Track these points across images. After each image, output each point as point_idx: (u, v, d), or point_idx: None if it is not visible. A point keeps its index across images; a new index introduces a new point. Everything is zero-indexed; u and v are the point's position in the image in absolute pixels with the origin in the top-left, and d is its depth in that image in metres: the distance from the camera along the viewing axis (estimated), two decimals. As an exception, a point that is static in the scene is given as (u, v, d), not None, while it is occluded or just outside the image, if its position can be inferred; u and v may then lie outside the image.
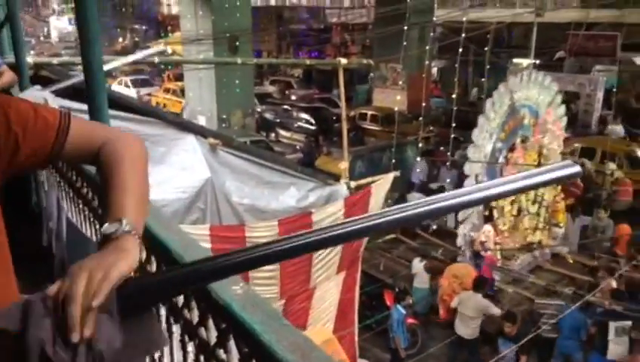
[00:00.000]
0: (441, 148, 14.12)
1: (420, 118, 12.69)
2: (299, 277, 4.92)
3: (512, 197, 9.62)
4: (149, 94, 25.69)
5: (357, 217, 0.78)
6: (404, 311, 7.77)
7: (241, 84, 19.20)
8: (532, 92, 9.73)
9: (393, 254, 10.10)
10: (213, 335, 1.09)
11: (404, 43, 13.04)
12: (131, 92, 25.48)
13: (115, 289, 0.81)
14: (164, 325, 1.20)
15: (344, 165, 5.56)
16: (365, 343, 7.48)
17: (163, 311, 1.22)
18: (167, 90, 25.02)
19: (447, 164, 12.82)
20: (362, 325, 6.97)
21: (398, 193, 10.95)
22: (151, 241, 1.26)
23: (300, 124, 20.28)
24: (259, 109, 21.72)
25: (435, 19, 20.62)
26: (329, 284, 5.33)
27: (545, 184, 0.82)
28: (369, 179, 5.52)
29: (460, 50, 12.11)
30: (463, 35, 12.22)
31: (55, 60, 4.34)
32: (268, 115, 21.47)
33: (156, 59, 5.16)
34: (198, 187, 4.62)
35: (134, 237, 0.93)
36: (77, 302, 0.77)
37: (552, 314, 7.61)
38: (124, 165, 1.08)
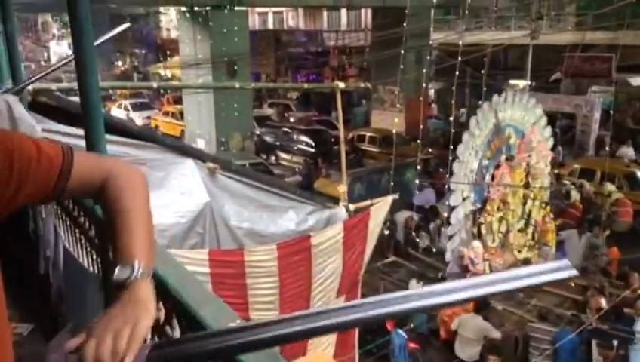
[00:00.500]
0: (441, 169, 14.13)
1: (418, 140, 12.71)
2: (298, 301, 4.87)
3: (500, 214, 9.64)
4: (149, 117, 25.80)
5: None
6: (405, 336, 7.69)
7: (240, 107, 19.30)
8: (517, 112, 9.89)
9: (393, 277, 10.04)
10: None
11: (402, 66, 13.13)
12: (131, 115, 25.60)
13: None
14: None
15: (343, 188, 5.54)
16: (366, 368, 7.38)
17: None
18: (166, 114, 25.14)
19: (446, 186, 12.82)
20: (363, 350, 6.88)
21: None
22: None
23: (300, 146, 20.33)
24: (257, 132, 21.80)
25: (431, 42, 20.83)
26: (329, 309, 5.28)
27: (537, 285, 0.81)
28: (368, 202, 5.51)
29: (457, 72, 12.20)
30: (460, 57, 12.32)
31: (54, 86, 4.34)
32: (268, 138, 21.53)
33: (155, 85, 5.17)
34: (197, 211, 4.59)
35: (147, 280, 0.92)
36: None
37: (544, 340, 7.60)
38: (130, 204, 1.07)
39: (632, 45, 16.35)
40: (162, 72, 34.08)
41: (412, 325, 8.31)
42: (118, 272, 0.92)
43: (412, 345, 7.97)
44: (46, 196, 1.10)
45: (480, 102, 10.33)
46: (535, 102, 10.43)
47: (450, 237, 9.34)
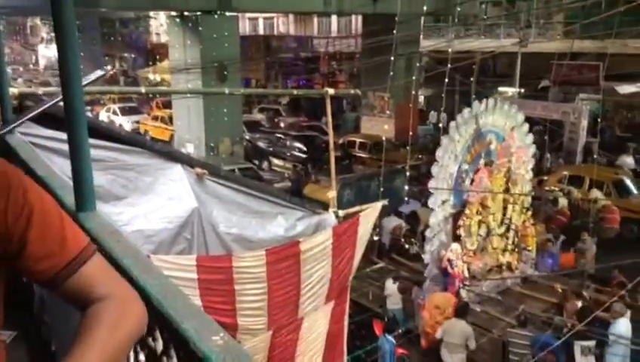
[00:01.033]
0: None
1: (408, 147, 12.76)
2: (287, 307, 4.84)
3: (479, 217, 9.79)
4: (138, 122, 25.67)
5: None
6: (394, 342, 7.68)
7: (229, 112, 19.26)
8: (499, 119, 9.98)
9: (382, 283, 10.04)
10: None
11: (391, 72, 13.19)
12: (120, 119, 25.45)
13: None
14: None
15: (332, 194, 5.53)
16: (354, 375, 7.36)
17: (142, 357, 1.17)
18: (155, 118, 25.01)
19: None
20: (352, 356, 6.86)
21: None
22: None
23: (293, 153, 20.33)
24: (247, 137, 21.78)
25: (421, 49, 20.95)
26: (317, 314, 5.26)
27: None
28: (357, 208, 5.49)
29: (446, 79, 12.27)
30: (449, 65, 12.40)
31: (40, 90, 4.30)
32: (261, 144, 21.50)
33: (143, 90, 5.13)
34: (185, 217, 4.55)
35: None
36: None
37: (523, 345, 7.69)
38: (108, 332, 0.97)
39: (620, 54, 16.55)
40: (152, 77, 33.96)
41: (400, 330, 8.31)
42: None
43: (400, 350, 7.95)
44: (44, 278, 1.02)
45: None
46: (517, 109, 10.52)
47: (429, 239, 9.39)
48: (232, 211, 4.87)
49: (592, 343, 7.27)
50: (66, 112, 1.54)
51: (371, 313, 8.95)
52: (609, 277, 9.33)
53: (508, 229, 10.32)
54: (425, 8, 16.04)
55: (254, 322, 4.62)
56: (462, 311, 7.82)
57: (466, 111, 9.48)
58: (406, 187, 11.21)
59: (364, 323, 8.52)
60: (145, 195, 4.42)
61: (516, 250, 10.49)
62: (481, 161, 9.80)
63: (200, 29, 18.96)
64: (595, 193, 13.10)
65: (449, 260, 9.08)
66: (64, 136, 1.70)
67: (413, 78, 14.68)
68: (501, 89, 22.34)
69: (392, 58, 12.88)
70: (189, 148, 19.28)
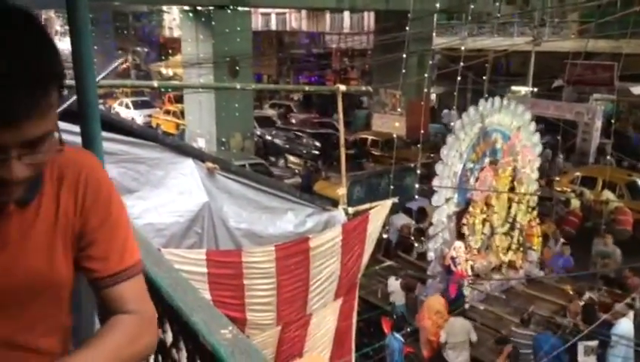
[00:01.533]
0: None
1: (419, 145, 12.71)
2: (296, 303, 4.86)
3: (483, 216, 9.77)
4: (150, 116, 25.80)
5: None
6: (402, 340, 7.68)
7: (241, 107, 19.29)
8: (505, 118, 9.92)
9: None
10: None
11: (403, 70, 13.12)
12: (132, 113, 25.59)
13: None
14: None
15: (342, 191, 5.53)
16: (362, 372, 7.37)
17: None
18: (167, 112, 25.13)
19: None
20: (359, 353, 6.86)
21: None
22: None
23: (310, 150, 20.31)
24: (258, 132, 21.79)
25: (433, 47, 20.84)
26: (326, 311, 5.26)
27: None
28: (367, 206, 5.49)
29: (459, 77, 12.19)
30: (462, 63, 12.32)
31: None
32: (278, 141, 21.49)
33: (155, 84, 5.15)
34: (196, 211, 4.56)
35: None
36: None
37: (525, 344, 7.70)
38: (124, 345, 1.03)
39: (635, 54, 16.35)
40: (164, 71, 34.10)
41: (409, 329, 8.30)
42: None
43: (408, 349, 7.95)
44: (90, 276, 1.09)
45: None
46: (529, 108, 10.45)
47: (433, 236, 9.38)
48: (242, 206, 4.88)
49: (594, 343, 7.25)
50: (80, 105, 1.55)
51: (380, 311, 8.95)
52: (621, 279, 9.25)
53: (512, 228, 10.28)
54: (438, 5, 15.90)
55: (263, 317, 4.64)
56: (458, 311, 7.94)
57: (472, 109, 9.44)
58: (416, 185, 11.16)
59: (373, 320, 8.52)
60: (156, 189, 4.44)
61: (521, 248, 10.45)
62: (486, 160, 9.76)
63: (213, 23, 18.99)
64: (608, 194, 12.99)
65: (452, 258, 9.07)
66: (77, 128, 1.71)
67: (425, 75, 14.61)
68: (514, 88, 22.19)
69: (404, 55, 12.81)
70: (201, 143, 19.34)
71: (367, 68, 30.23)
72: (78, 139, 1.72)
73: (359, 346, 6.72)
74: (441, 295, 8.80)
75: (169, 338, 1.12)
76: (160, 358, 1.16)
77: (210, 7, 18.95)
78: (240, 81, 17.51)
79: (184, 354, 1.09)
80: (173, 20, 37.81)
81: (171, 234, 4.44)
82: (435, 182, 9.18)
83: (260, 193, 5.01)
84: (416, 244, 11.04)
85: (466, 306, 8.81)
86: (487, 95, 14.48)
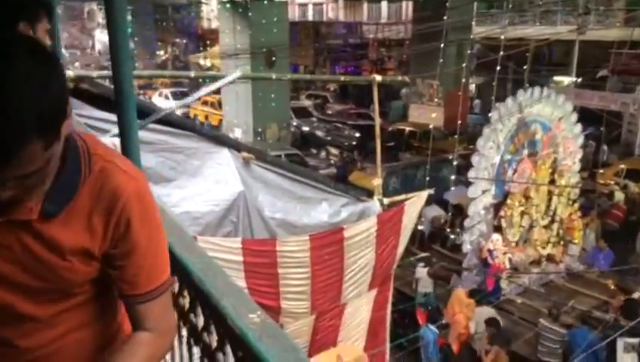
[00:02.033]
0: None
1: (456, 136, 12.55)
2: (330, 292, 4.87)
3: (522, 208, 9.58)
4: (188, 106, 26.13)
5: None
6: (437, 331, 7.64)
7: (277, 97, 19.36)
8: (545, 109, 9.68)
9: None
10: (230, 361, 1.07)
11: (441, 60, 12.94)
12: (171, 103, 25.99)
13: None
14: (184, 346, 1.18)
15: (378, 181, 5.50)
16: (396, 363, 7.37)
17: (184, 332, 1.20)
18: (205, 103, 25.43)
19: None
20: (394, 344, 6.84)
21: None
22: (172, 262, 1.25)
23: (350, 142, 20.27)
24: (295, 123, 21.84)
25: (472, 36, 20.43)
26: (360, 301, 5.27)
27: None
28: (402, 197, 5.45)
29: (498, 67, 11.94)
30: (502, 52, 12.05)
31: (95, 73, 4.43)
32: (319, 133, 21.51)
33: (192, 74, 5.22)
34: (231, 200, 4.62)
35: None
36: None
37: (554, 340, 7.56)
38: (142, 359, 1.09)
39: (684, 42, 15.71)
40: (202, 62, 34.46)
41: (444, 321, 8.25)
42: None
43: (442, 341, 7.91)
44: (118, 290, 1.12)
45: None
46: (573, 99, 10.17)
47: (469, 229, 9.25)
48: (277, 196, 4.92)
49: (636, 340, 7.02)
50: (116, 94, 1.59)
51: (414, 302, 8.91)
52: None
53: (552, 221, 10.07)
54: (478, -6, 15.63)
55: (297, 306, 4.68)
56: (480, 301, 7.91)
57: (510, 100, 9.25)
58: (452, 176, 11.02)
59: (407, 311, 8.49)
60: (193, 178, 4.51)
61: (561, 242, 10.23)
62: (525, 152, 9.56)
63: (250, 14, 19.08)
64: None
65: (489, 251, 8.94)
66: (114, 117, 1.75)
67: (464, 65, 14.37)
68: (556, 78, 21.61)
69: (443, 45, 12.63)
70: (237, 133, 19.52)
71: (404, 58, 29.90)
72: (116, 128, 1.76)
73: (393, 337, 6.69)
74: (478, 287, 8.71)
75: (200, 321, 1.14)
76: (192, 341, 1.19)
77: (248, -1, 19.06)
78: (276, 71, 17.55)
79: (214, 338, 1.11)
80: (211, 12, 38.12)
81: (207, 222, 4.51)
82: (471, 174, 9.05)
83: (295, 183, 5.04)
84: (452, 236, 10.92)
85: (502, 299, 8.71)
86: (528, 85, 14.18)
